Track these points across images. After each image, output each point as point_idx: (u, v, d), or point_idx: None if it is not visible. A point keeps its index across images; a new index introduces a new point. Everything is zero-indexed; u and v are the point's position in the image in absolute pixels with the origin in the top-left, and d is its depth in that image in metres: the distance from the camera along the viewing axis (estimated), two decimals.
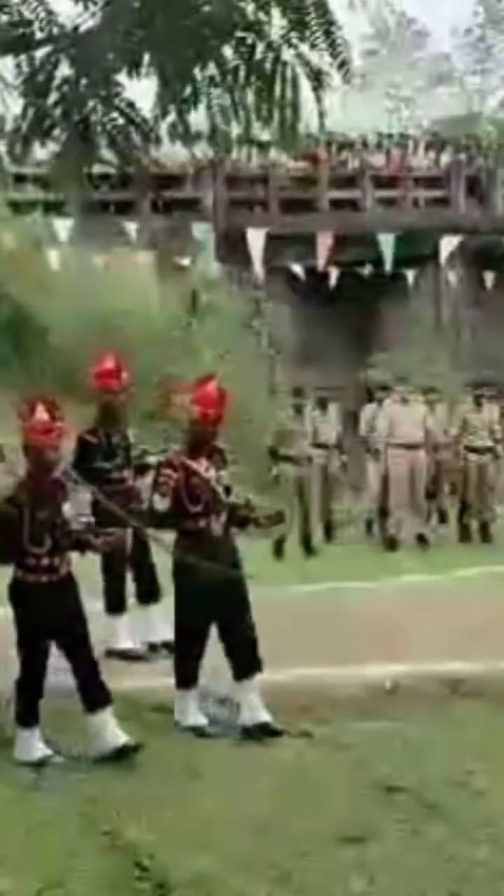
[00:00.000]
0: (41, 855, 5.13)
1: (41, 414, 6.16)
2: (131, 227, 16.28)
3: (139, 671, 7.46)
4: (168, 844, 5.24)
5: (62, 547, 6.21)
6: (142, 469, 8.08)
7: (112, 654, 7.66)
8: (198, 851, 5.22)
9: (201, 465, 6.72)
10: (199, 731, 6.71)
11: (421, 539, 12.85)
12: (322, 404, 13.46)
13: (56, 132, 4.92)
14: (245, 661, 6.64)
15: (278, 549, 12.02)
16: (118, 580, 7.97)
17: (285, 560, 11.79)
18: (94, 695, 6.25)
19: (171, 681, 6.81)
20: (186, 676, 6.72)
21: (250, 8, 4.63)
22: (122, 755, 6.18)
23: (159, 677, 7.19)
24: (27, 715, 6.29)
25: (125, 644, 7.87)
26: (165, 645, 7.63)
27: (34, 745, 6.27)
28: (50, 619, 6.18)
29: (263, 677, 7.10)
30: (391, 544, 12.70)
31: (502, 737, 6.67)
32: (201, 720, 6.78)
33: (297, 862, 5.17)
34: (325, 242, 17.21)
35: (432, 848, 5.32)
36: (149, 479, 7.52)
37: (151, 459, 7.92)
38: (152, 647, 7.91)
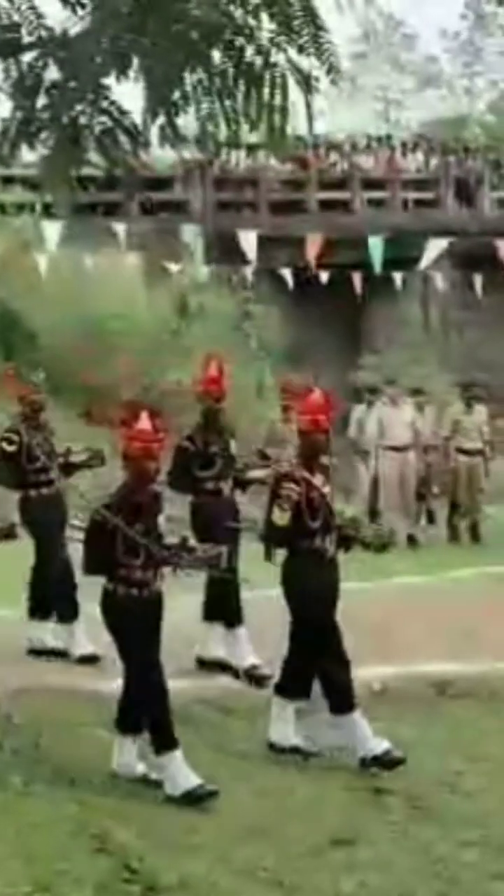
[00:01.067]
0: (31, 858, 5.13)
1: (144, 423, 5.94)
2: (120, 229, 16.27)
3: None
4: (157, 847, 5.25)
5: (156, 561, 5.95)
6: (242, 484, 7.75)
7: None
8: (187, 854, 5.23)
9: (318, 479, 6.43)
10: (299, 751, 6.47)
11: (411, 540, 12.88)
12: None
13: (44, 135, 4.92)
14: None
15: (269, 552, 12.00)
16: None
17: (276, 562, 11.76)
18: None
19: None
20: (298, 690, 6.42)
21: (239, 12, 4.64)
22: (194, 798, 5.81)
23: None
24: (166, 738, 5.91)
25: None
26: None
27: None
28: (138, 633, 5.93)
29: None
30: (382, 546, 12.69)
31: (493, 738, 6.69)
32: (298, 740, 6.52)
33: (287, 864, 5.18)
34: (314, 244, 17.22)
35: (422, 849, 5.34)
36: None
37: (257, 473, 7.67)
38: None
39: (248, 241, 16.12)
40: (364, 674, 7.07)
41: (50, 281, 15.45)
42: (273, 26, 4.60)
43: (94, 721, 6.64)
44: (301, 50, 4.59)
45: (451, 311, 24.95)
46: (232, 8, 4.60)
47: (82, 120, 4.63)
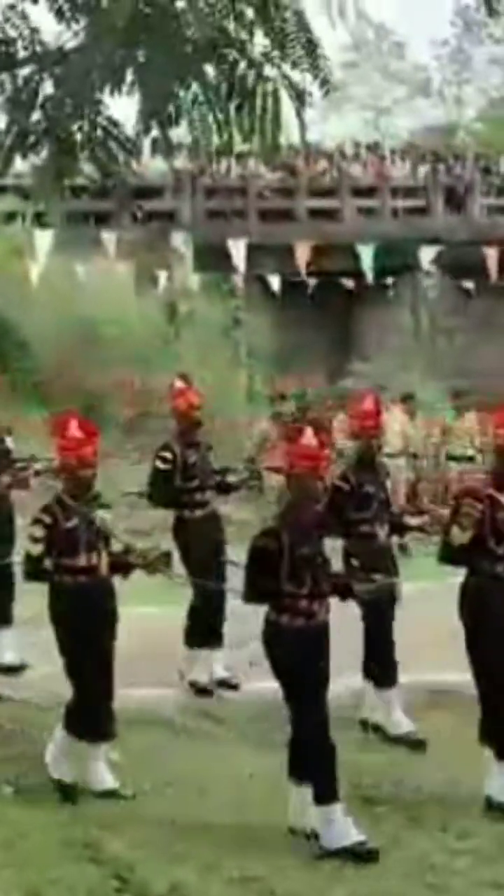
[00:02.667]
0: (22, 866, 5.14)
1: (308, 439, 5.59)
2: (111, 237, 16.31)
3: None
4: (148, 857, 5.26)
5: (322, 590, 5.50)
6: (400, 529, 7.39)
7: None
8: (177, 863, 5.25)
9: None
10: None
11: (402, 548, 12.90)
12: (300, 411, 13.50)
13: (39, 147, 4.95)
14: None
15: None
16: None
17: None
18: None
19: (162, 693, 6.87)
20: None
21: (233, 26, 4.67)
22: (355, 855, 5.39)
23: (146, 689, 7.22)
24: (328, 788, 5.42)
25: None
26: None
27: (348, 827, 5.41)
28: (307, 668, 5.48)
29: (250, 689, 7.15)
30: None
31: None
32: None
33: (278, 873, 5.20)
34: (303, 252, 17.29)
35: (414, 858, 5.36)
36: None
37: (414, 521, 7.32)
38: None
39: (238, 249, 16.18)
40: (357, 682, 7.09)
41: (41, 289, 15.47)
42: (266, 41, 4.64)
43: None
44: (294, 65, 4.63)
45: (441, 318, 25.01)
46: (225, 23, 4.63)
47: (77, 134, 4.67)
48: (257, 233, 20.85)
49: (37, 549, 5.97)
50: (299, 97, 4.68)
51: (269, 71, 4.76)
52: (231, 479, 7.98)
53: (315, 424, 6.00)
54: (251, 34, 4.65)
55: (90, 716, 5.99)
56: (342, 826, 5.37)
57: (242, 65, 4.73)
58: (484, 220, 25.87)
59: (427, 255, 17.88)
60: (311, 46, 4.60)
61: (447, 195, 25.82)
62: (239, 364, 19.52)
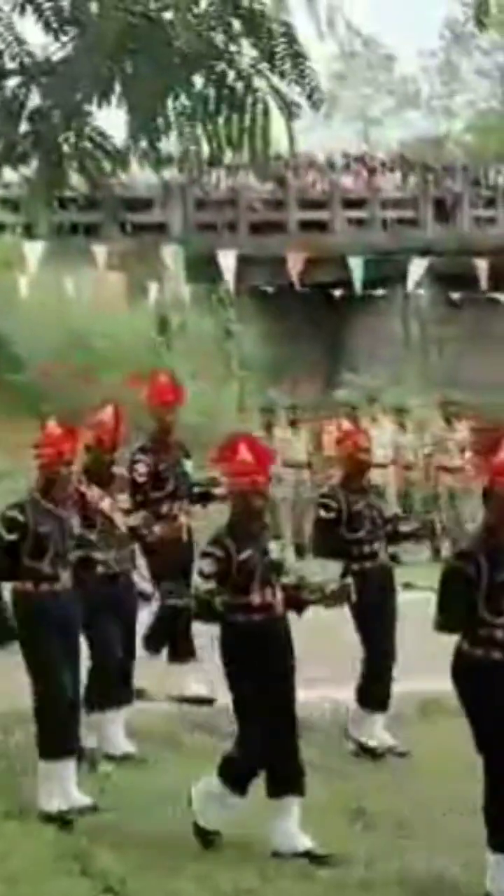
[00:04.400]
0: (13, 880, 5.12)
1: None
2: (101, 249, 16.31)
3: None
4: (139, 870, 5.25)
5: None
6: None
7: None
8: (169, 876, 5.23)
9: None
10: None
11: (393, 558, 12.88)
12: (293, 423, 13.50)
13: (27, 159, 4.95)
14: None
15: None
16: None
17: None
18: None
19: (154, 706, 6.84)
20: None
21: (221, 38, 4.69)
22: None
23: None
24: None
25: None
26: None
27: None
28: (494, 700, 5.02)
29: None
30: None
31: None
32: None
33: (272, 884, 5.18)
34: (295, 263, 17.31)
35: (407, 869, 5.35)
36: None
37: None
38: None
39: (228, 261, 16.19)
40: (347, 695, 7.08)
41: (32, 301, 15.47)
42: (254, 53, 4.65)
43: None
44: (282, 76, 4.64)
45: (431, 329, 25.08)
46: (213, 35, 4.64)
47: (65, 145, 4.67)
48: (248, 244, 20.90)
49: (207, 585, 5.44)
50: (288, 108, 4.69)
51: (257, 82, 4.76)
52: (402, 527, 7.36)
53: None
54: (239, 45, 4.66)
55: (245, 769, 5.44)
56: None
57: (231, 76, 4.74)
58: (473, 231, 25.98)
59: (417, 266, 17.91)
60: (299, 58, 4.62)
61: (437, 206, 25.92)
62: (231, 375, 19.55)
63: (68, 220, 18.51)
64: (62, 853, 5.40)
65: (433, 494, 13.37)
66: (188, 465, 7.81)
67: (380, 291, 19.57)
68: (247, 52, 4.69)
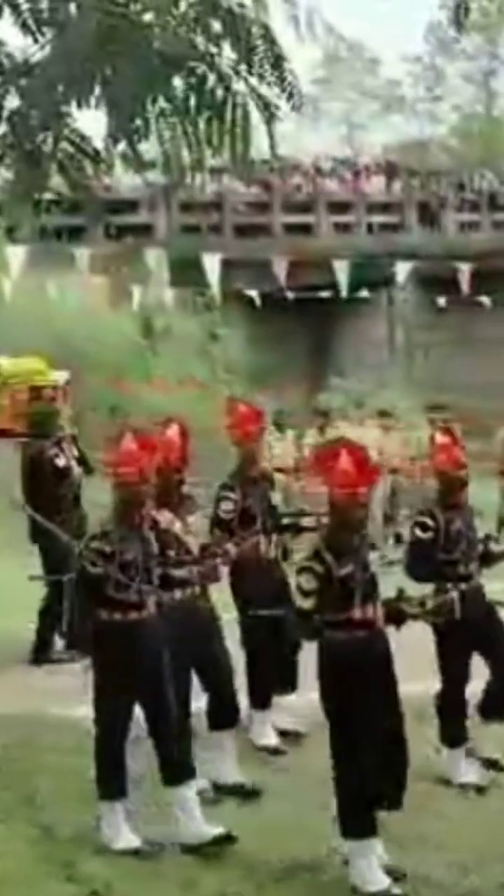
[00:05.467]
0: None
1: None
2: (83, 253, 16.28)
3: None
4: (124, 874, 5.23)
5: None
6: None
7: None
8: (154, 880, 5.22)
9: None
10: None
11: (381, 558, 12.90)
12: (279, 428, 13.49)
13: (7, 161, 4.93)
14: None
15: None
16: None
17: None
18: None
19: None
20: None
21: (200, 40, 4.68)
22: None
23: None
24: None
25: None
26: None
27: None
28: None
29: None
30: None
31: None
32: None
33: (255, 888, 5.18)
34: (280, 267, 17.31)
35: (388, 871, 5.33)
36: None
37: None
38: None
39: (213, 264, 16.18)
40: None
41: (15, 305, 15.43)
42: (234, 55, 4.64)
43: (59, 747, 6.61)
44: (261, 78, 4.63)
45: (417, 333, 25.13)
46: (193, 36, 4.63)
47: (44, 147, 4.65)
48: (233, 248, 20.90)
49: (308, 602, 5.20)
50: (268, 110, 4.68)
51: (237, 85, 4.75)
52: (494, 547, 6.76)
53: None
54: (219, 47, 4.65)
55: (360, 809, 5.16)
56: None
57: (211, 78, 4.73)
58: (458, 236, 26.05)
59: (402, 270, 17.94)
60: (279, 60, 4.61)
61: (421, 210, 25.99)
62: (216, 379, 19.53)
63: (52, 224, 18.47)
64: (48, 858, 5.38)
65: (421, 497, 13.37)
66: (276, 497, 7.32)
67: (365, 295, 19.58)
68: (226, 54, 4.68)
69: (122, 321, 18.17)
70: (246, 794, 6.17)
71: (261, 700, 6.91)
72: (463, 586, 6.39)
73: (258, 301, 18.43)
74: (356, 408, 13.99)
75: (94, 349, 16.72)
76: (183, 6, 4.63)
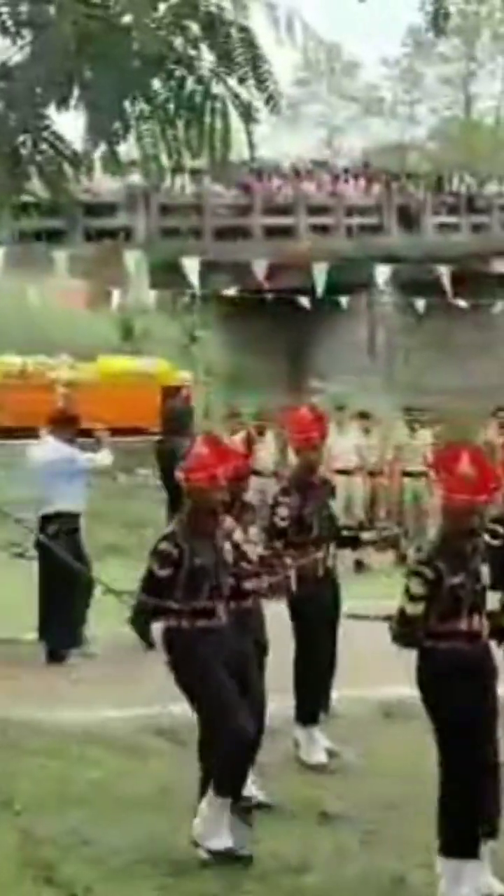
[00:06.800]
0: None
1: None
2: (63, 255, 16.26)
3: None
4: (104, 878, 5.22)
5: None
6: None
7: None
8: (133, 884, 5.21)
9: None
10: None
11: (359, 565, 12.92)
12: (259, 430, 13.50)
13: None
14: None
15: None
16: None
17: None
18: None
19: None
20: None
21: (179, 41, 4.67)
22: None
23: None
24: None
25: None
26: None
27: None
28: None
29: None
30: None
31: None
32: None
33: (235, 891, 5.17)
34: (260, 269, 17.35)
35: (371, 873, 5.34)
36: None
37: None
38: None
39: (193, 266, 16.19)
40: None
41: None
42: (213, 57, 4.63)
43: (39, 750, 6.59)
44: (241, 80, 4.62)
45: (396, 335, 25.18)
46: (172, 38, 4.62)
47: (23, 150, 4.64)
48: (213, 250, 20.91)
49: (416, 608, 4.94)
50: (247, 112, 4.68)
51: (217, 87, 4.75)
52: None
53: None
54: (198, 49, 4.64)
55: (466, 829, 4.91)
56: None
57: (190, 81, 4.72)
58: (437, 239, 26.13)
59: (381, 273, 17.99)
60: (258, 62, 4.60)
61: (401, 213, 26.06)
62: (196, 381, 19.53)
63: (31, 227, 18.43)
64: (27, 861, 5.36)
65: (398, 500, 13.42)
66: (334, 507, 7.18)
67: (345, 298, 19.62)
68: (206, 56, 4.67)
69: (102, 324, 18.15)
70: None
71: (310, 715, 6.77)
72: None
73: (238, 303, 18.46)
74: (337, 410, 13.98)
75: (73, 352, 16.69)
76: (162, 8, 4.62)
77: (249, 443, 6.11)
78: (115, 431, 9.85)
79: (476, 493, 4.96)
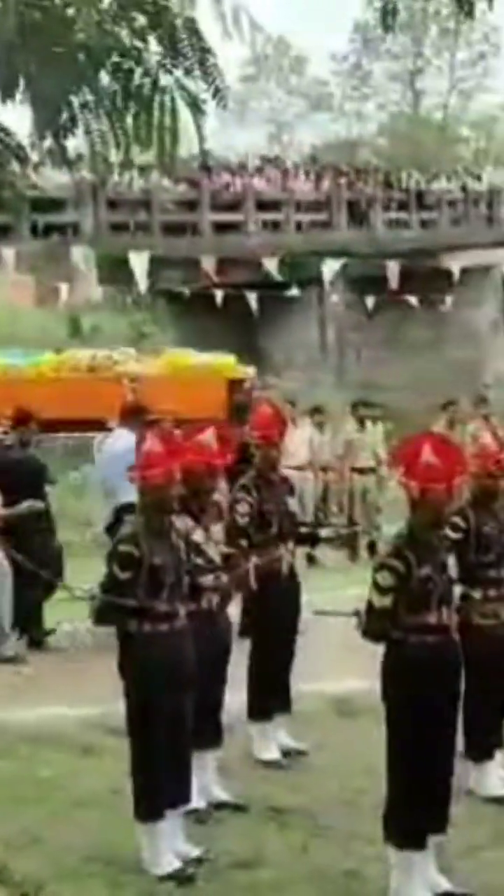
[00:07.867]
0: None
1: None
2: (9, 251, 16.12)
3: None
4: (56, 876, 5.19)
5: None
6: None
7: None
8: (87, 883, 5.18)
9: None
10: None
11: (310, 560, 12.94)
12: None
13: None
14: None
15: None
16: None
17: None
18: None
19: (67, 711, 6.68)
20: None
21: (125, 33, 4.62)
22: None
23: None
24: None
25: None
26: None
27: None
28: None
29: None
30: None
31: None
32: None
33: (188, 887, 5.15)
34: (209, 265, 17.32)
35: (324, 868, 5.35)
36: None
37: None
38: None
39: (141, 262, 16.13)
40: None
41: None
42: (160, 49, 4.59)
43: None
44: (187, 72, 4.59)
45: (347, 331, 25.26)
46: (118, 30, 4.58)
47: None
48: (161, 246, 20.84)
49: (384, 601, 4.91)
50: (195, 105, 4.64)
51: (164, 80, 4.71)
52: None
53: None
54: (144, 41, 4.60)
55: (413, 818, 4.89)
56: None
57: (138, 73, 4.68)
58: (386, 234, 26.24)
59: (330, 268, 18.04)
60: (205, 54, 4.57)
61: (350, 209, 26.13)
62: None
63: None
64: None
65: (348, 495, 13.45)
66: (293, 504, 7.12)
67: (295, 294, 19.65)
68: (153, 48, 4.63)
69: (49, 320, 18.02)
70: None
71: (262, 711, 6.73)
72: (492, 593, 6.09)
73: (186, 299, 18.42)
74: (289, 405, 13.99)
75: (19, 349, 16.55)
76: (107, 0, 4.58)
77: (224, 440, 5.92)
78: (182, 424, 9.84)
79: (445, 480, 4.92)
